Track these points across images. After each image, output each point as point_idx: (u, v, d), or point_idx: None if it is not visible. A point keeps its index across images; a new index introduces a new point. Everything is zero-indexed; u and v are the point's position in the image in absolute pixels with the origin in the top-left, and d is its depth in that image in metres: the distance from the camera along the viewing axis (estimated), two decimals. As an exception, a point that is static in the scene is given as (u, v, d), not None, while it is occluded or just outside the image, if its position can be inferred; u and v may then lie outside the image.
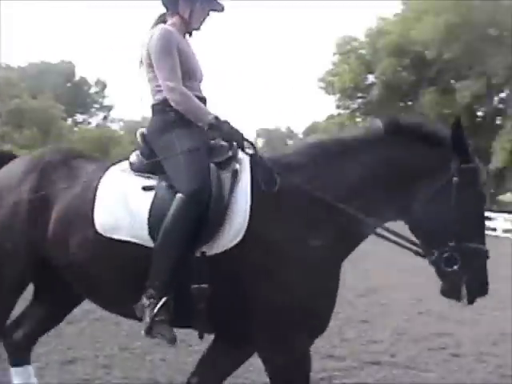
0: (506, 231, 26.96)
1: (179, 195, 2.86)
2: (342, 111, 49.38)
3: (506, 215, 28.67)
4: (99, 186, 3.09)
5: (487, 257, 2.91)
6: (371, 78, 45.87)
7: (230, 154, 3.07)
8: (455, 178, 2.89)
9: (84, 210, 3.06)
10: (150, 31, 3.31)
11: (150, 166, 3.11)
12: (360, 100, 47.55)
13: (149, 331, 2.84)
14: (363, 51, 45.77)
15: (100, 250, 2.99)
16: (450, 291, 2.93)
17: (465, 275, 2.85)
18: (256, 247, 2.84)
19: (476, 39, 37.77)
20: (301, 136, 79.86)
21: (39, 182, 3.18)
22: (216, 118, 3.04)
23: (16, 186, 3.20)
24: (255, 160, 3.03)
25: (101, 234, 2.99)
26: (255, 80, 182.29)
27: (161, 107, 3.22)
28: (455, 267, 2.82)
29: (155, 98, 3.27)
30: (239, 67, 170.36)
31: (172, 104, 3.14)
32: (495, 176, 42.35)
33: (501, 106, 43.60)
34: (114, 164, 3.27)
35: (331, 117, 51.45)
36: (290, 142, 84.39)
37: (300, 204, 2.92)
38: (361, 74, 44.85)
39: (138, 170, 3.15)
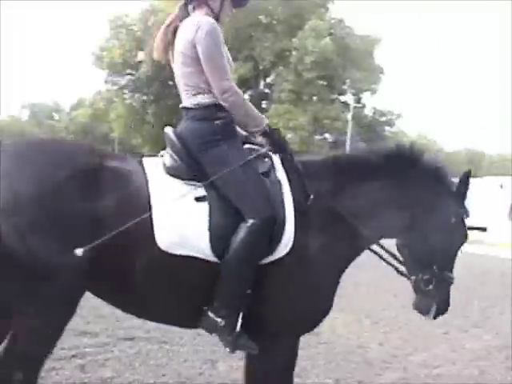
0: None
1: (252, 221, 2.83)
2: (110, 87, 47.68)
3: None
4: (152, 200, 2.79)
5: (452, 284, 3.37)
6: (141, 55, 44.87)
7: (270, 162, 3.09)
8: (453, 219, 3.30)
9: (142, 228, 2.70)
10: (190, 21, 3.08)
11: (194, 172, 2.97)
12: (129, 76, 46.24)
13: (234, 348, 2.90)
14: (135, 27, 44.48)
15: (163, 267, 2.79)
16: (422, 306, 3.36)
17: (437, 296, 3.30)
18: (291, 256, 2.92)
19: (246, 25, 38.78)
20: (68, 111, 76.70)
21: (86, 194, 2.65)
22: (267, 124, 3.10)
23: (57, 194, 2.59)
24: (291, 169, 3.09)
25: (165, 252, 2.76)
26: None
27: (207, 113, 3.05)
28: (430, 287, 3.26)
29: (195, 100, 3.09)
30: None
31: (226, 105, 3.02)
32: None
33: (267, 90, 45.51)
34: (144, 165, 2.97)
35: (99, 92, 50.01)
36: (56, 117, 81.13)
37: (326, 219, 3.08)
38: (131, 50, 43.50)
39: (177, 175, 2.96)
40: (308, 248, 2.99)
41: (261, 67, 40.97)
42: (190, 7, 3.21)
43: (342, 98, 45.39)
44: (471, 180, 3.36)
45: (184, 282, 2.89)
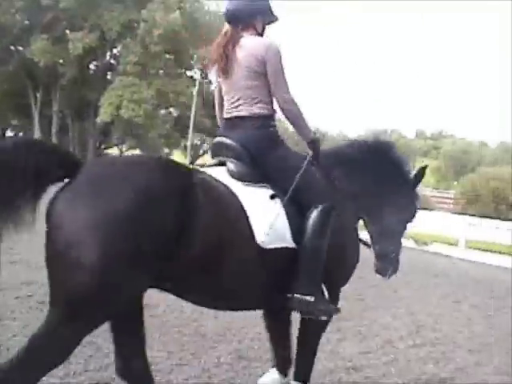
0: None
1: (321, 206, 3.34)
2: None
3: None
4: (244, 205, 3.12)
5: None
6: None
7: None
8: (409, 202, 4.12)
9: (242, 230, 3.06)
10: (254, 41, 3.50)
11: (260, 175, 3.37)
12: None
13: (328, 314, 3.44)
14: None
15: (258, 261, 3.12)
16: (383, 270, 4.00)
17: (394, 261, 4.05)
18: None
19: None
20: None
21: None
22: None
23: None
24: (318, 166, 3.67)
25: (262, 248, 3.11)
26: None
27: (265, 122, 3.50)
28: (393, 255, 4.01)
29: (255, 110, 3.48)
30: None
31: (288, 115, 3.46)
32: (102, 130, 43.71)
33: (113, 61, 44.99)
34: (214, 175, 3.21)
35: None
36: None
37: (344, 198, 3.78)
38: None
39: (246, 179, 3.32)
40: (345, 219, 3.70)
41: (107, 37, 40.19)
42: (238, 28, 3.56)
43: (189, 73, 45.95)
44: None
45: (270, 271, 3.22)
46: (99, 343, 4.63)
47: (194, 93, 40.14)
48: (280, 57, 3.44)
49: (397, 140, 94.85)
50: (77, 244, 2.41)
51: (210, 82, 47.62)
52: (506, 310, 8.59)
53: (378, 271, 4.03)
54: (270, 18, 3.67)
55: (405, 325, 7.01)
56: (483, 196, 36.66)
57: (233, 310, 3.78)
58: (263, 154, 3.44)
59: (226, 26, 3.62)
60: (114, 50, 44.63)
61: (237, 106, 3.53)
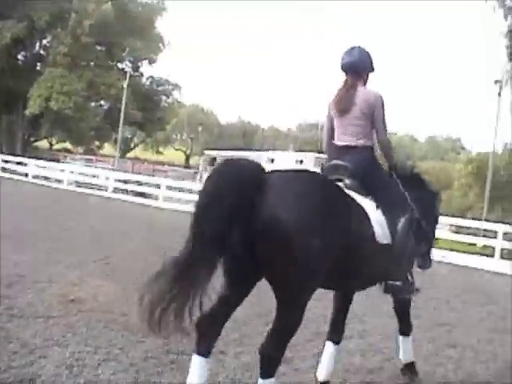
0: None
1: (407, 216, 4.47)
2: None
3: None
4: (366, 209, 4.11)
5: None
6: None
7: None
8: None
9: (368, 230, 4.03)
10: (367, 92, 4.61)
11: (366, 189, 4.35)
12: None
13: (410, 293, 4.65)
14: None
15: (376, 253, 4.06)
16: (425, 264, 5.19)
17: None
18: None
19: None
20: None
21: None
22: None
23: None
24: None
25: (379, 243, 4.09)
26: None
27: (369, 150, 4.64)
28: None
29: (361, 140, 4.58)
30: None
31: (385, 145, 4.74)
32: (31, 122, 42.66)
33: (42, 52, 43.96)
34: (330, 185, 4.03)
35: None
36: None
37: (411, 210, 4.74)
38: None
39: (354, 189, 4.25)
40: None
41: (37, 27, 39.28)
42: (354, 79, 4.64)
43: (120, 66, 45.53)
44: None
45: (380, 261, 4.19)
46: (25, 339, 4.65)
47: (125, 85, 39.83)
48: (384, 106, 4.65)
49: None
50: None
51: (142, 74, 47.88)
52: (430, 302, 8.73)
53: (420, 267, 5.15)
54: (373, 70, 4.86)
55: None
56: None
57: (358, 290, 4.73)
58: (369, 173, 4.52)
59: (345, 76, 4.70)
60: (44, 41, 43.69)
61: (349, 138, 4.63)
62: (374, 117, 4.57)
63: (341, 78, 4.68)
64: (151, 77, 48.95)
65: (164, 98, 50.03)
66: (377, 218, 4.19)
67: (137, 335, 5.29)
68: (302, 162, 34.15)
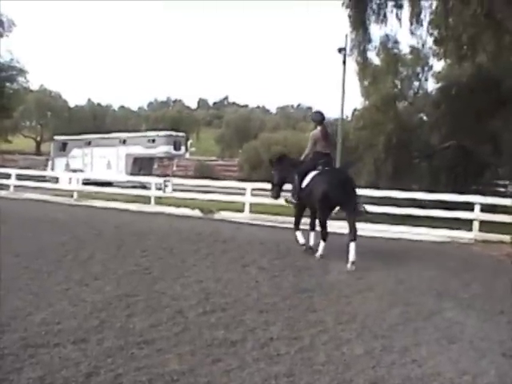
0: None
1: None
2: None
3: None
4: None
5: None
6: None
7: None
8: None
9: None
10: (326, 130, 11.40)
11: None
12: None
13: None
14: None
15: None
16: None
17: None
18: None
19: None
20: None
21: None
22: None
23: None
24: None
25: None
26: None
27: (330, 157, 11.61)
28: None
29: (331, 152, 11.62)
30: None
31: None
32: None
33: None
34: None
35: None
36: None
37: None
38: None
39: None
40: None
41: None
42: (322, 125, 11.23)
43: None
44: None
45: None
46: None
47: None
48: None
49: (180, 111, 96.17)
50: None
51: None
52: (289, 270, 9.13)
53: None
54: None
55: (194, 293, 7.15)
56: (266, 161, 38.46)
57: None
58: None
59: (320, 124, 11.11)
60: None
61: (327, 149, 11.07)
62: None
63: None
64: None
65: (8, 84, 46.98)
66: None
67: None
68: (154, 140, 33.75)
